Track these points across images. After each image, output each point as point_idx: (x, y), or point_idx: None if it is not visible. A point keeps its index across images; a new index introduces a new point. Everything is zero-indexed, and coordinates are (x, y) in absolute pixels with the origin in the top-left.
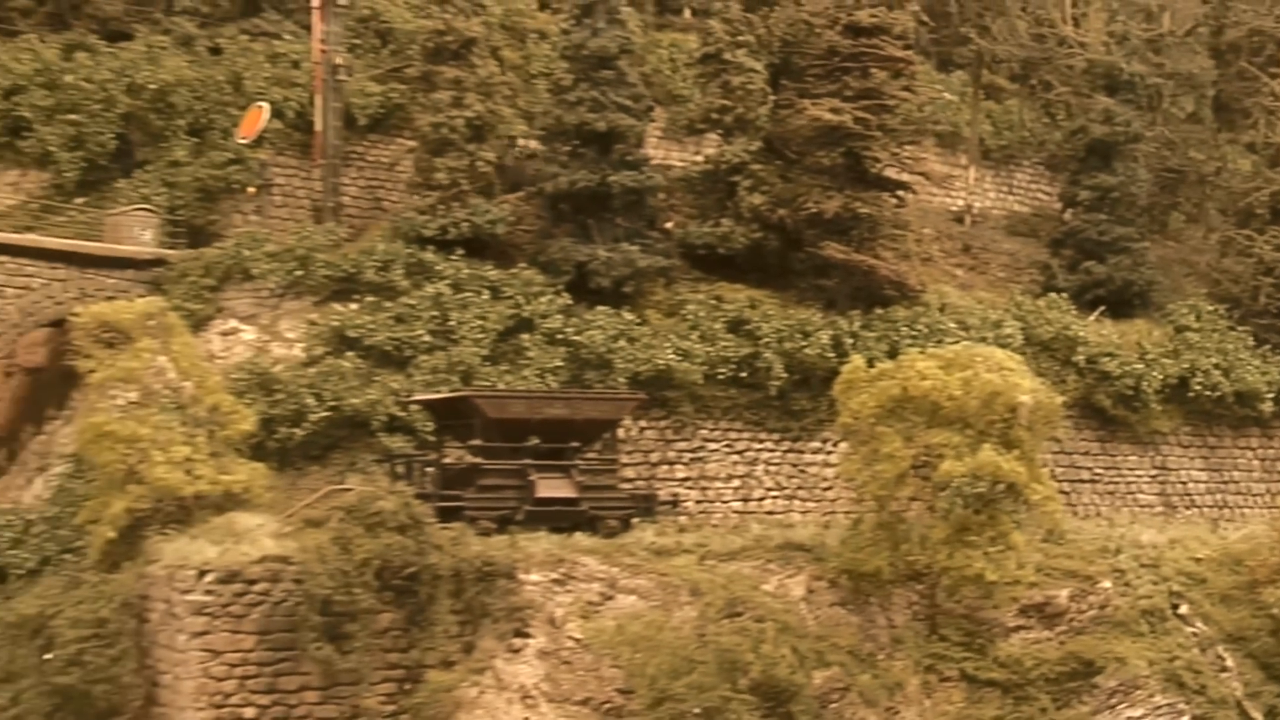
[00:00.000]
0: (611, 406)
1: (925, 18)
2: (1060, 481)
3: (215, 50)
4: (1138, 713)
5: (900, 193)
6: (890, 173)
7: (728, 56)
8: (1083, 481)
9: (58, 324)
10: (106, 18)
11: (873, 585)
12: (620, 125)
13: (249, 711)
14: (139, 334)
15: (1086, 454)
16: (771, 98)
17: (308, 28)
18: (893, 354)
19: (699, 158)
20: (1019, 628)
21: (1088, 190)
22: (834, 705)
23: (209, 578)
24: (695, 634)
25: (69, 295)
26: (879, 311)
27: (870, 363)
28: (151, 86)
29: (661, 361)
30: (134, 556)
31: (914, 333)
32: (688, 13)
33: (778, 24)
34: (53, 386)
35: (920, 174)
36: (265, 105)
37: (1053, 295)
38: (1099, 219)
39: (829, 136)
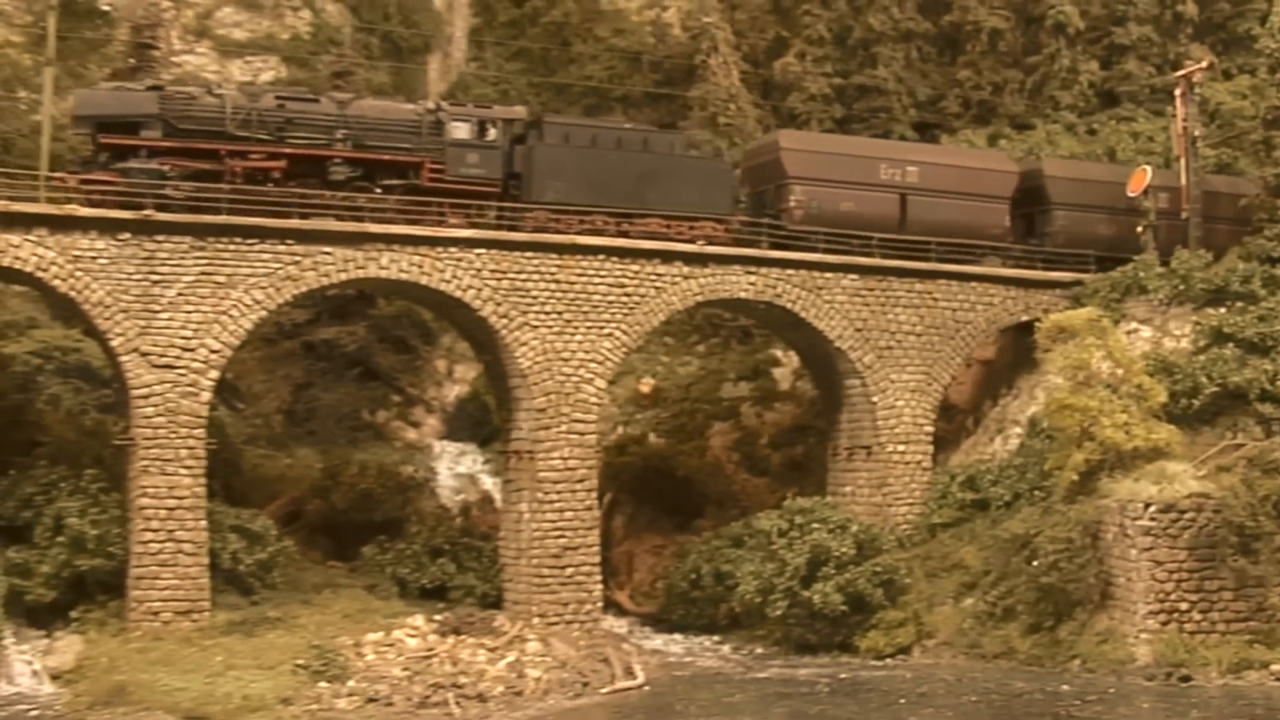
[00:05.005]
0: None
1: None
2: None
3: (1091, 132)
4: None
5: None
6: None
7: None
8: None
9: (1006, 330)
10: (1014, 115)
11: None
12: None
13: (1183, 605)
14: (1084, 333)
15: None
16: None
17: (1156, 113)
18: None
19: None
20: None
21: None
22: None
23: (1151, 509)
24: None
25: (1018, 309)
26: None
27: None
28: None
29: None
30: (1088, 493)
31: None
32: None
33: None
34: (1000, 373)
35: None
36: (1148, 167)
37: None
38: None
39: None
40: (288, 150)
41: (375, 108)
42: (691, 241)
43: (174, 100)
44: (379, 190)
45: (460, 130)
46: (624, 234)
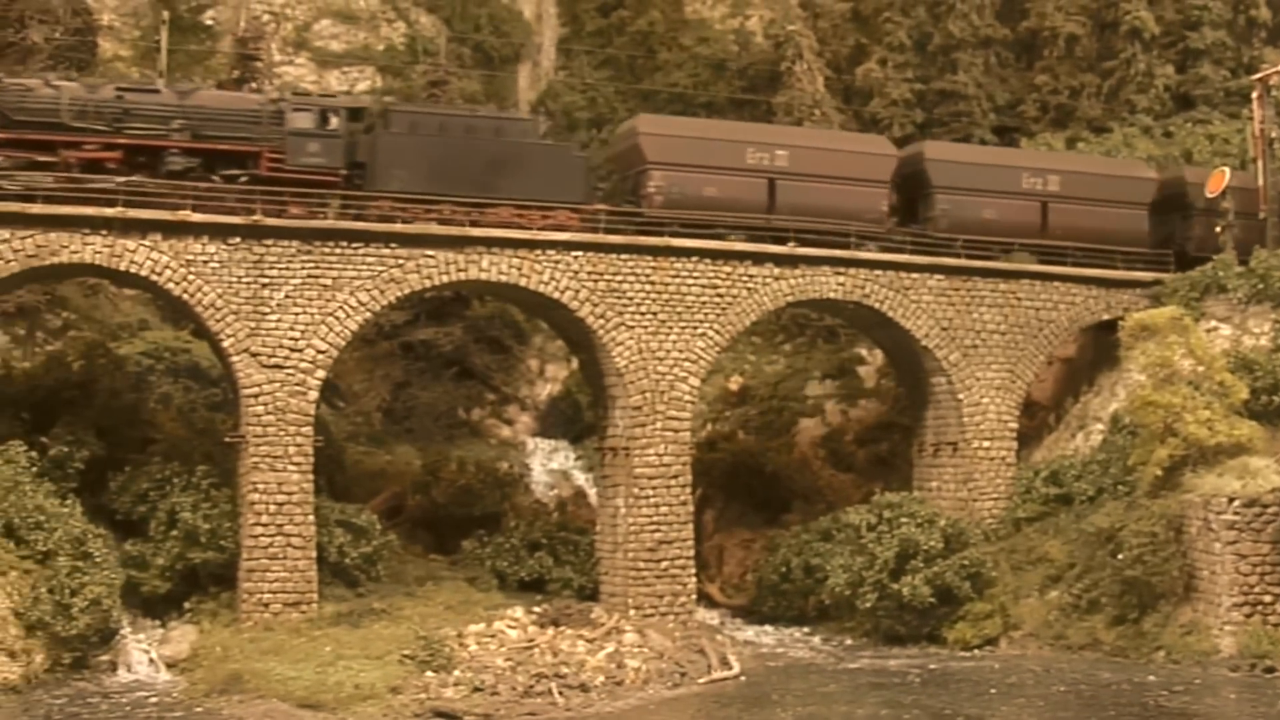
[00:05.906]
0: None
1: None
2: None
3: (1167, 134)
4: None
5: None
6: None
7: None
8: None
9: (1087, 329)
10: (1091, 118)
11: None
12: None
13: (1266, 597)
14: (1166, 331)
15: None
16: None
17: (1231, 116)
18: None
19: None
20: None
21: None
22: None
23: (1235, 503)
24: None
25: (1099, 308)
26: None
27: None
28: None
29: None
30: (1172, 488)
31: None
32: None
33: None
34: (1082, 371)
35: None
36: (1227, 169)
37: None
38: None
39: None
40: (123, 140)
41: (215, 98)
42: (544, 230)
43: (9, 92)
44: (217, 179)
45: (301, 120)
46: (475, 223)
